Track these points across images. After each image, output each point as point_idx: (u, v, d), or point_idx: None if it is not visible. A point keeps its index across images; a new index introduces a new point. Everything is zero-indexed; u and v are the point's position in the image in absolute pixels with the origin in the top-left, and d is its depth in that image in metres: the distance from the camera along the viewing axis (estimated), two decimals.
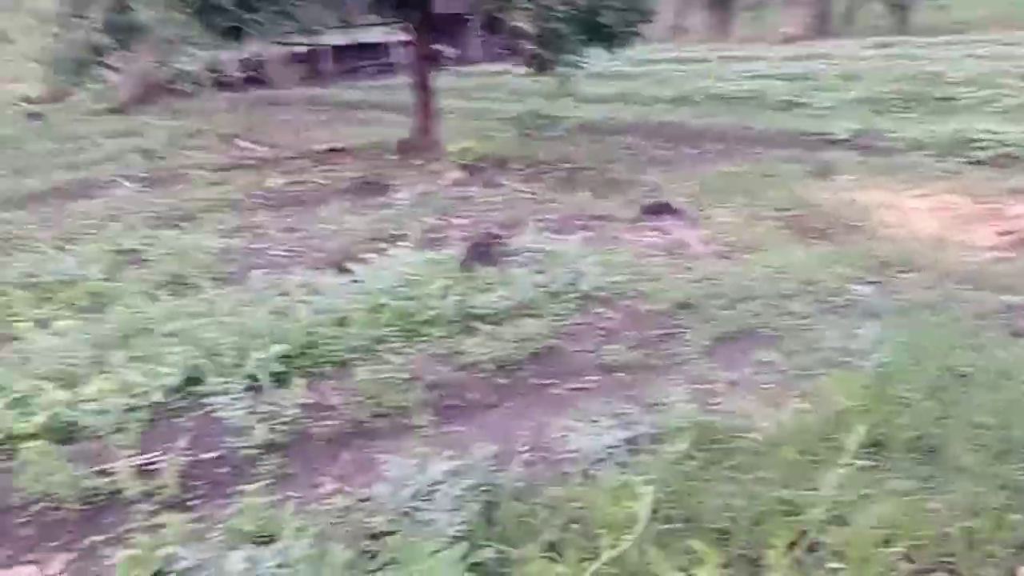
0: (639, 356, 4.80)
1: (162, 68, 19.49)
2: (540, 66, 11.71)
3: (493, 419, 4.16)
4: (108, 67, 20.37)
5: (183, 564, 2.86)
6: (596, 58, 12.62)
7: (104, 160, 12.30)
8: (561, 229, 7.23)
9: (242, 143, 12.88)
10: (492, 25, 14.09)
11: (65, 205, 9.32)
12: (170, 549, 3.01)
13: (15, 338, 5.27)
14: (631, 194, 8.82)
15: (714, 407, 3.90)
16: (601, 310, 5.49)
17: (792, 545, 2.64)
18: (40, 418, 4.02)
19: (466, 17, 24.96)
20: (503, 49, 20.49)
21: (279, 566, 2.73)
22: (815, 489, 2.87)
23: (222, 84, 21.60)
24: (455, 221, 7.85)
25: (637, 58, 23.03)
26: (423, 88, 12.22)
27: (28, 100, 20.93)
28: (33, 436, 3.89)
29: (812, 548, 2.70)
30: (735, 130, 12.70)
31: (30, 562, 3.35)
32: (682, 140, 12.22)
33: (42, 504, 3.58)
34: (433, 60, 12.56)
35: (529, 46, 11.60)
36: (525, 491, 3.11)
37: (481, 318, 5.19)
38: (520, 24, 10.14)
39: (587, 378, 4.65)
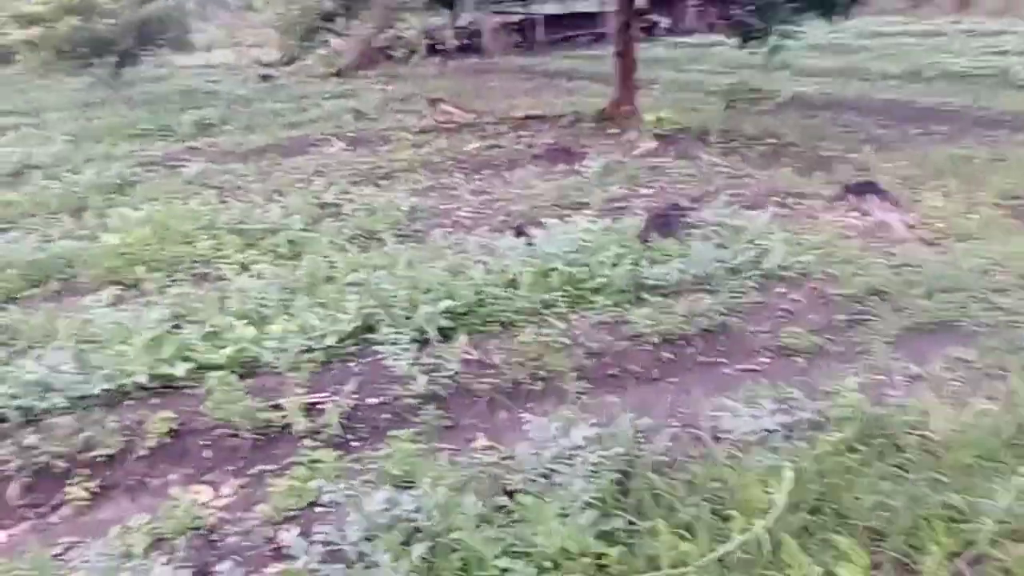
0: (819, 341, 4.52)
1: (382, 34, 20.37)
2: (749, 35, 11.23)
3: (650, 392, 4.06)
4: (334, 33, 21.62)
5: (328, 498, 3.00)
6: (815, 29, 11.91)
7: (320, 120, 13.04)
8: (753, 205, 6.90)
9: (447, 107, 13.23)
10: None
11: (280, 160, 9.98)
12: (324, 481, 3.17)
13: (220, 278, 5.72)
14: (837, 173, 8.27)
15: (888, 400, 3.60)
16: (783, 290, 5.20)
17: (953, 556, 2.39)
18: (228, 351, 4.34)
19: None
20: (718, 18, 19.85)
21: (415, 510, 2.79)
22: (990, 498, 2.57)
23: (436, 51, 22.30)
24: (641, 191, 7.70)
25: (865, 30, 21.64)
26: (625, 57, 12.04)
27: (262, 63, 22.56)
28: (220, 367, 4.20)
29: (976, 561, 2.44)
30: (969, 110, 11.63)
31: (206, 483, 3.63)
32: (906, 119, 11.32)
33: (221, 430, 3.86)
34: (644, 30, 12.33)
35: (740, 14, 11.16)
36: (665, 466, 3.00)
37: (652, 289, 5.07)
38: None
39: (759, 359, 4.44)
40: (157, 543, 2.92)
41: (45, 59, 16.35)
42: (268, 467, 3.64)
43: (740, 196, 7.29)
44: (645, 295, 5.01)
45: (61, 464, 3.71)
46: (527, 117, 12.23)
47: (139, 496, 3.60)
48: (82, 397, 4.05)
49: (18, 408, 3.97)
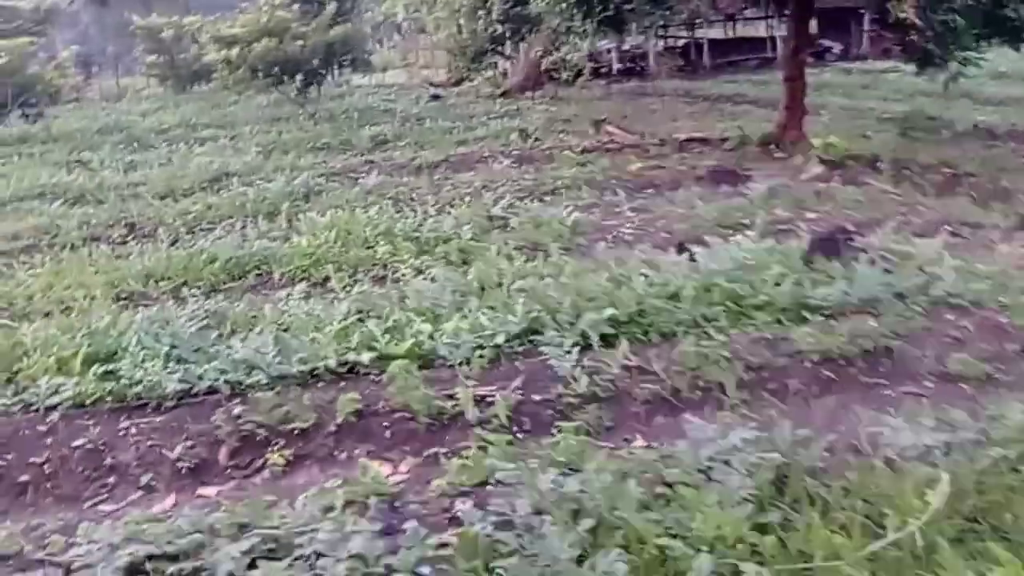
0: (987, 369, 4.44)
1: (548, 57, 20.91)
2: (927, 62, 10.89)
3: (808, 407, 4.14)
4: (502, 55, 22.37)
5: (502, 475, 3.28)
6: (1001, 56, 11.39)
7: (487, 138, 13.61)
8: (923, 232, 6.76)
9: (610, 129, 13.51)
10: (882, 19, 13.28)
11: (450, 175, 10.53)
12: (494, 463, 3.45)
13: (397, 279, 6.18)
14: (1018, 205, 7.95)
15: None
16: (952, 317, 5.11)
17: None
18: (407, 343, 4.72)
19: (856, 10, 23.70)
20: (893, 44, 19.20)
21: (580, 491, 3.03)
22: None
23: (600, 74, 22.66)
24: (806, 215, 7.67)
25: None
26: (793, 81, 11.93)
27: (433, 84, 23.61)
28: (400, 357, 4.58)
29: None
30: None
31: (387, 459, 4.00)
32: None
33: (400, 414, 4.23)
34: (814, 55, 12.18)
35: (917, 40, 10.85)
36: (822, 471, 3.10)
37: (815, 310, 5.10)
38: (907, 15, 9.50)
39: (923, 383, 4.42)
40: (350, 504, 3.27)
41: (240, 77, 17.81)
42: (442, 449, 3.97)
43: (910, 224, 7.16)
44: (807, 315, 5.05)
45: (262, 433, 4.17)
46: (691, 139, 12.32)
47: (328, 466, 4.00)
48: (281, 376, 4.52)
49: (227, 382, 4.49)
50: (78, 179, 11.24)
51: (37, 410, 4.43)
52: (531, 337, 4.86)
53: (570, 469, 3.35)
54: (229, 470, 4.10)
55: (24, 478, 4.07)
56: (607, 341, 4.77)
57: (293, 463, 4.06)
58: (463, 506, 3.19)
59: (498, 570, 2.70)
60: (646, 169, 10.39)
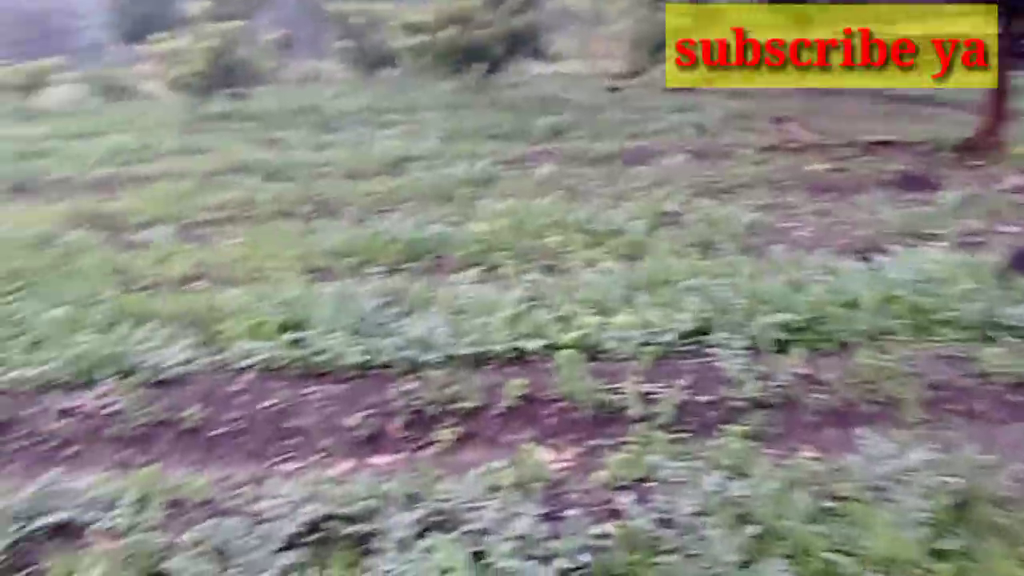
0: None
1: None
2: None
3: (996, 433, 3.90)
4: None
5: (665, 473, 3.30)
6: None
7: (663, 132, 13.47)
8: None
9: (791, 127, 13.08)
10: None
11: (624, 167, 10.51)
12: (657, 460, 3.48)
13: (567, 270, 6.27)
14: None
15: None
16: None
17: None
18: (575, 334, 4.81)
19: None
20: None
21: (746, 496, 3.01)
22: None
23: None
24: (1002, 228, 7.17)
25: None
26: (999, 85, 11.11)
27: (610, 75, 23.57)
28: (568, 347, 4.67)
29: None
30: None
31: (550, 446, 4.10)
32: None
33: (565, 403, 4.32)
34: (1021, 55, 11.32)
35: None
36: (1008, 500, 2.94)
37: (1008, 330, 4.79)
38: None
39: None
40: (516, 486, 3.39)
41: (425, 64, 18.44)
42: (604, 441, 4.02)
43: None
44: (998, 335, 4.75)
45: (433, 410, 4.37)
46: (879, 142, 11.74)
47: (494, 447, 4.14)
48: (452, 357, 4.72)
49: (402, 359, 4.73)
50: (273, 156, 12.02)
51: (232, 371, 4.83)
52: (700, 337, 4.82)
53: (735, 473, 3.33)
54: (400, 442, 4.32)
55: (217, 432, 4.46)
56: (779, 346, 4.68)
57: (461, 441, 4.23)
58: (624, 499, 3.24)
59: (659, 566, 2.73)
60: (828, 171, 10.00)
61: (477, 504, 3.20)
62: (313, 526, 3.24)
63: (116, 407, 4.53)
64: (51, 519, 3.32)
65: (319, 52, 33.16)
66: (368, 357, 4.75)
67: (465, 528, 3.05)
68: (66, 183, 11.23)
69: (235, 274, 6.61)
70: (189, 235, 8.00)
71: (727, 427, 3.85)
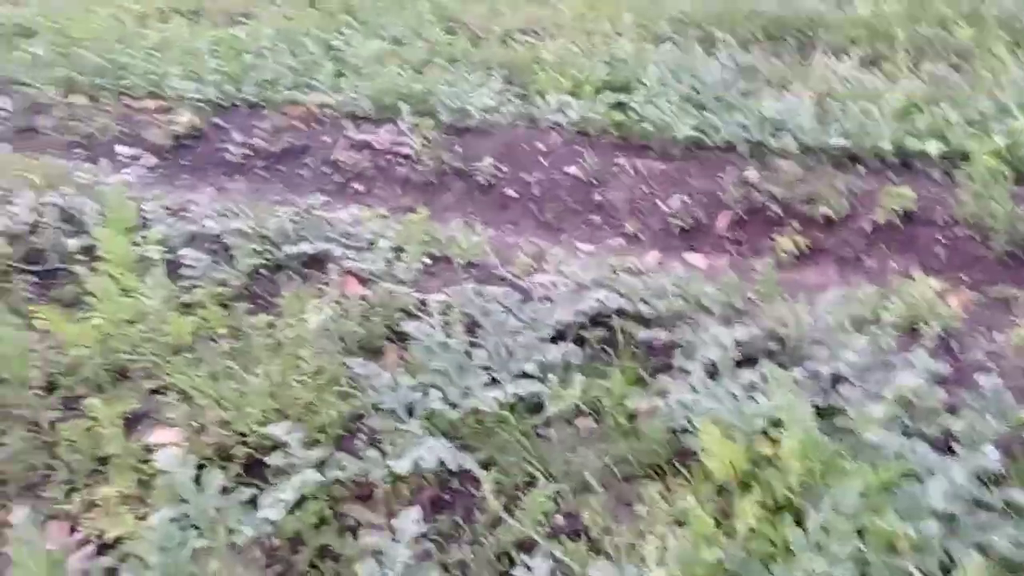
0: None
1: None
2: None
3: None
4: None
5: None
6: None
7: None
8: None
9: None
10: None
11: None
12: None
13: (978, 72, 4.70)
14: None
15: None
16: None
17: None
18: (996, 142, 3.43)
19: None
20: None
21: None
22: None
23: None
24: None
25: None
26: None
27: None
28: (986, 156, 3.33)
29: None
30: None
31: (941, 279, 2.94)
32: None
33: (965, 230, 3.12)
34: None
35: None
36: None
37: None
38: None
39: None
40: (893, 325, 2.31)
41: None
42: (1018, 291, 2.81)
43: None
44: None
45: (775, 210, 3.35)
46: None
47: (852, 270, 3.10)
48: (811, 148, 3.58)
49: (745, 140, 3.68)
50: None
51: (540, 128, 4.07)
52: None
53: None
54: (726, 241, 3.39)
55: (512, 192, 3.78)
56: None
57: (804, 256, 3.21)
58: None
59: None
60: None
61: (833, 338, 2.21)
62: (597, 320, 2.45)
63: (410, 148, 3.99)
64: (303, 248, 2.83)
65: None
66: (702, 134, 3.76)
67: (809, 367, 2.09)
68: None
69: (565, 32, 5.76)
70: None
71: None
